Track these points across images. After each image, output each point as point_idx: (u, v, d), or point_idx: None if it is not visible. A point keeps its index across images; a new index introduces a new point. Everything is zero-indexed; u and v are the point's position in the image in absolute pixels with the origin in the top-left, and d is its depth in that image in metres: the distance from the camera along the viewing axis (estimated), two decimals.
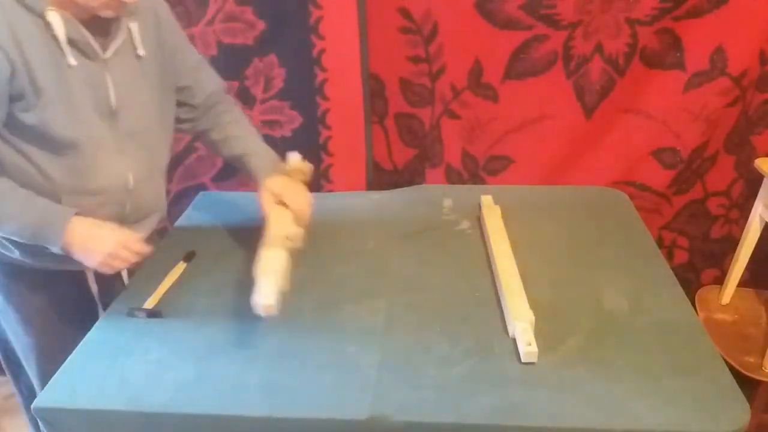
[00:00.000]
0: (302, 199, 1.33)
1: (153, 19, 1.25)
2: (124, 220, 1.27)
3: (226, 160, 1.46)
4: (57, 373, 1.13)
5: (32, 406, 1.07)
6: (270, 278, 1.17)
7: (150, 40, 1.23)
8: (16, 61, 1.05)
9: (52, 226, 1.14)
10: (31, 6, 1.05)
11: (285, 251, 1.21)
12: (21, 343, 1.34)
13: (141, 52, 1.21)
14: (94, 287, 1.35)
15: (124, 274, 1.37)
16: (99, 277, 1.34)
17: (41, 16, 1.06)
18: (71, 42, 1.10)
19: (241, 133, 1.41)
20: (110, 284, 1.38)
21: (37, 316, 1.31)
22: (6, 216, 1.13)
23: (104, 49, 1.15)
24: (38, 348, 1.34)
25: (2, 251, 1.25)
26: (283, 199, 1.31)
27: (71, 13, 1.09)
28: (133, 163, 1.25)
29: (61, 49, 1.09)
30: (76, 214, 1.16)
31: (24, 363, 1.38)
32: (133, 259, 1.20)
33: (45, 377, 1.27)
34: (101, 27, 1.14)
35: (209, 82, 1.41)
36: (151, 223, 1.36)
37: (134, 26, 1.19)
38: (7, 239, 1.21)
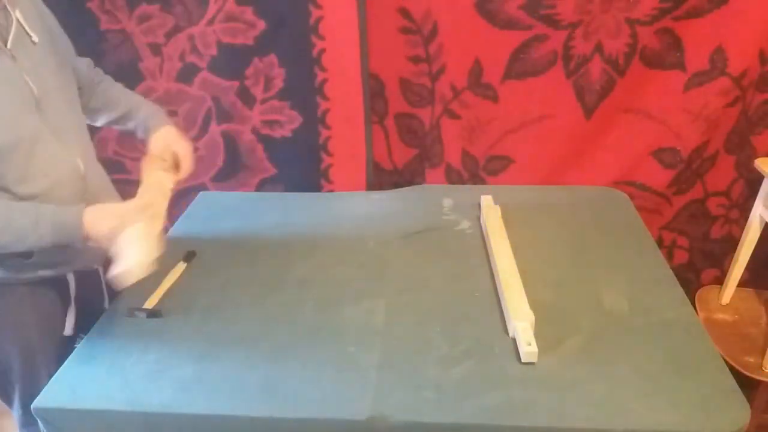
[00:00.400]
0: (186, 149, 1.34)
1: (32, 6, 1.20)
2: None
3: (113, 124, 1.41)
4: (57, 373, 1.14)
5: (32, 406, 1.07)
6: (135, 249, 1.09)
7: (37, 26, 1.18)
8: None
9: (69, 228, 1.11)
10: None
11: (147, 219, 1.15)
12: (12, 363, 1.27)
13: (35, 38, 1.16)
14: (72, 290, 1.29)
15: (101, 272, 1.34)
16: (79, 279, 1.29)
17: None
18: None
19: (121, 93, 1.40)
20: (92, 285, 1.34)
21: (25, 330, 1.25)
22: (22, 232, 1.09)
23: (4, 41, 1.10)
24: (31, 366, 1.27)
25: None
26: (174, 151, 1.33)
27: None
28: (77, 147, 1.22)
29: None
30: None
31: (17, 383, 1.31)
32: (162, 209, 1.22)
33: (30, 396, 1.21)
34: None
35: (81, 62, 1.37)
36: None
37: (20, 14, 1.14)
38: None
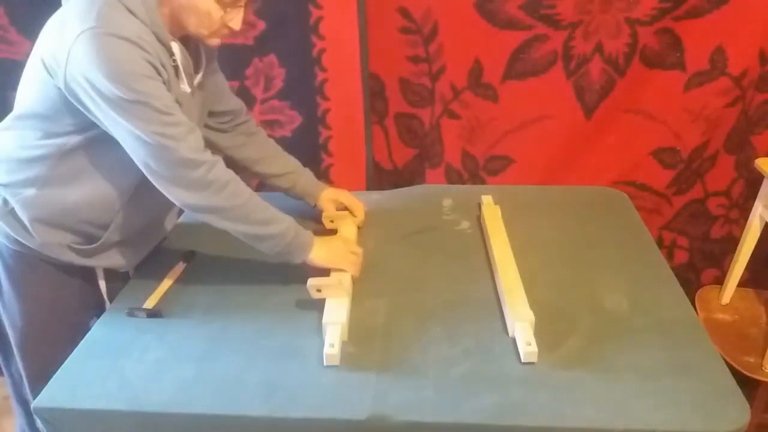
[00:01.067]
0: (354, 199, 1.56)
1: (213, 55, 1.34)
2: (146, 229, 1.37)
3: (260, 177, 1.53)
4: (57, 372, 1.13)
5: (32, 406, 1.07)
6: (336, 328, 1.16)
7: (206, 71, 1.30)
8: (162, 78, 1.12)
9: (300, 250, 1.28)
10: (160, 36, 1.12)
11: (348, 298, 1.26)
12: (18, 333, 1.34)
13: (201, 79, 1.28)
14: (102, 284, 1.36)
15: (131, 276, 1.40)
16: (108, 274, 1.36)
17: (167, 46, 1.13)
18: (183, 69, 1.18)
19: (278, 152, 1.52)
20: (119, 282, 1.39)
21: (44, 309, 1.31)
22: (268, 236, 1.24)
23: (195, 77, 1.24)
24: (35, 342, 1.33)
25: (21, 239, 1.24)
26: (343, 202, 1.54)
27: (175, 37, 1.16)
28: None
29: (177, 76, 1.17)
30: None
31: (17, 353, 1.37)
32: (358, 259, 1.35)
33: (36, 372, 1.32)
34: (192, 57, 1.22)
35: (235, 101, 1.47)
36: (165, 233, 1.51)
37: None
38: (37, 224, 1.22)
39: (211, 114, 1.41)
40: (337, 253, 1.32)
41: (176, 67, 1.17)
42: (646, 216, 1.69)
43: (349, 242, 1.40)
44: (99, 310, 1.36)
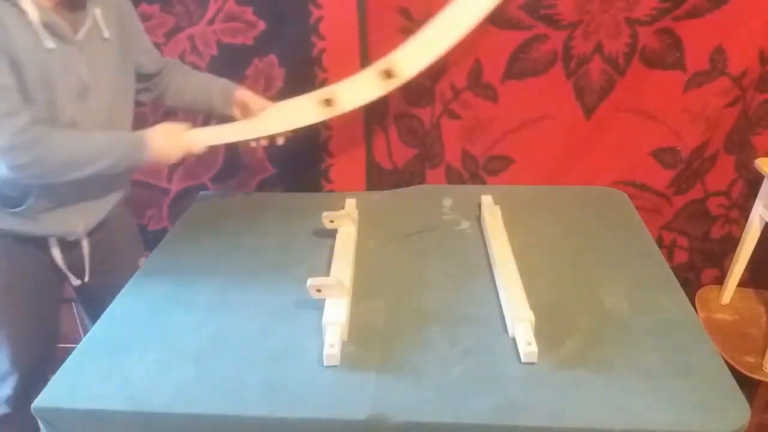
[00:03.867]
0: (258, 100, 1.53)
1: (116, 9, 1.34)
2: (87, 194, 1.36)
3: (189, 106, 1.56)
4: (57, 372, 1.14)
5: (32, 406, 1.07)
6: (335, 328, 1.17)
7: (112, 25, 1.32)
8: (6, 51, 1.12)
9: (136, 151, 1.32)
10: None
11: (348, 298, 1.27)
12: None
13: (106, 35, 1.29)
14: (56, 253, 1.38)
15: (85, 245, 1.42)
16: (62, 244, 1.38)
17: (15, 4, 1.12)
18: (45, 26, 1.16)
19: (192, 76, 1.55)
20: (74, 251, 1.42)
21: (4, 279, 1.35)
22: (97, 154, 1.26)
23: (75, 32, 1.23)
24: (4, 319, 1.37)
25: None
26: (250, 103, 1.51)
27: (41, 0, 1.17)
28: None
29: (36, 33, 1.15)
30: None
31: None
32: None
33: (15, 352, 1.40)
34: (70, 12, 1.23)
35: (159, 58, 1.53)
36: (115, 199, 1.45)
37: (98, 12, 1.28)
38: None
39: (140, 78, 1.45)
40: (169, 143, 1.37)
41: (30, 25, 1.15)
42: (646, 216, 1.69)
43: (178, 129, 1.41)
44: (60, 276, 1.43)
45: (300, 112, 1.54)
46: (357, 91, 1.55)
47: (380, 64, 1.54)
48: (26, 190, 1.27)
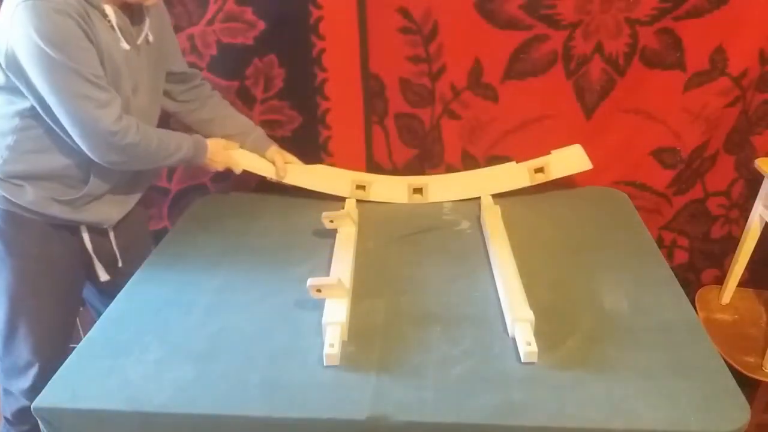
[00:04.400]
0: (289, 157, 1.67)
1: (158, 16, 1.43)
2: (124, 186, 1.46)
3: (212, 134, 1.59)
4: (57, 372, 1.13)
5: (32, 406, 1.07)
6: (336, 328, 1.17)
7: (155, 31, 1.40)
8: (93, 42, 1.23)
9: (199, 152, 1.48)
10: (92, 0, 1.22)
11: (348, 298, 1.27)
12: (10, 292, 1.39)
13: (151, 38, 1.38)
14: (86, 238, 1.45)
15: (112, 235, 1.49)
16: (91, 230, 1.45)
17: (98, 8, 1.23)
18: (120, 29, 1.28)
19: (229, 113, 1.63)
20: (104, 238, 1.49)
21: (32, 264, 1.39)
22: (177, 147, 1.41)
23: (137, 36, 1.34)
24: (24, 298, 1.40)
25: (9, 197, 1.33)
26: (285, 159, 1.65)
27: (116, 5, 1.27)
28: None
29: (115, 35, 1.28)
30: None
31: (11, 333, 1.42)
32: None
33: (36, 342, 1.42)
34: (131, 17, 1.33)
35: (191, 70, 1.60)
36: (140, 194, 1.54)
37: (147, 20, 1.37)
38: (26, 181, 1.33)
39: (166, 76, 1.51)
40: (221, 155, 1.55)
41: (112, 27, 1.27)
42: (646, 216, 1.69)
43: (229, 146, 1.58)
44: (86, 269, 1.49)
45: (334, 183, 1.71)
46: (384, 187, 1.71)
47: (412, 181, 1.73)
48: (86, 176, 1.37)
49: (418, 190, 1.71)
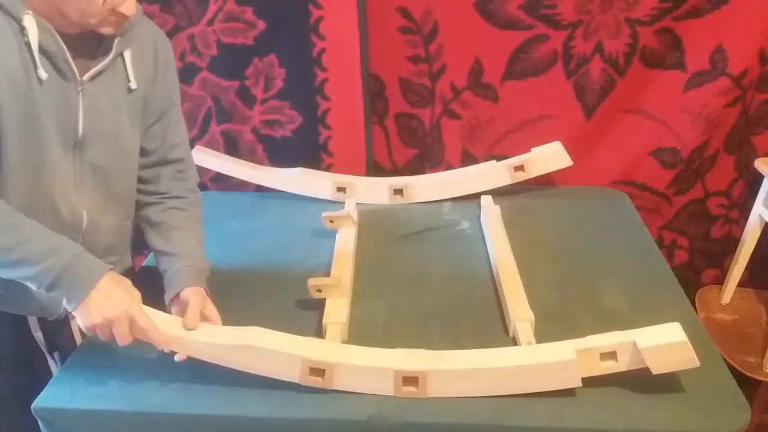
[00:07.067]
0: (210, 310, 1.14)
1: (152, 53, 1.13)
2: None
3: (150, 246, 1.22)
4: (57, 372, 1.14)
5: (32, 406, 1.07)
6: (335, 328, 1.15)
7: (143, 74, 1.11)
8: None
9: (81, 278, 0.98)
10: (9, 8, 0.94)
11: (348, 298, 1.21)
12: None
13: (133, 85, 1.09)
14: (38, 334, 1.21)
15: (74, 325, 1.23)
16: (42, 322, 1.20)
17: (17, 20, 0.95)
18: (45, 53, 0.98)
19: (184, 225, 1.21)
20: (57, 330, 1.23)
21: None
22: (29, 259, 0.96)
23: (84, 70, 1.03)
24: None
25: None
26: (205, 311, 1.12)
27: (55, 24, 0.97)
28: (89, 202, 1.10)
29: (33, 58, 0.96)
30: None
31: None
32: (127, 339, 1.02)
33: None
34: (86, 47, 1.03)
35: (184, 159, 1.23)
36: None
37: (128, 54, 1.07)
38: None
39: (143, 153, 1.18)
40: (107, 301, 1.00)
41: (27, 46, 0.96)
42: (646, 216, 1.69)
43: (135, 309, 1.03)
44: (38, 361, 1.26)
45: (315, 186, 1.64)
46: (364, 188, 1.67)
47: None
48: None
49: (398, 191, 1.68)
